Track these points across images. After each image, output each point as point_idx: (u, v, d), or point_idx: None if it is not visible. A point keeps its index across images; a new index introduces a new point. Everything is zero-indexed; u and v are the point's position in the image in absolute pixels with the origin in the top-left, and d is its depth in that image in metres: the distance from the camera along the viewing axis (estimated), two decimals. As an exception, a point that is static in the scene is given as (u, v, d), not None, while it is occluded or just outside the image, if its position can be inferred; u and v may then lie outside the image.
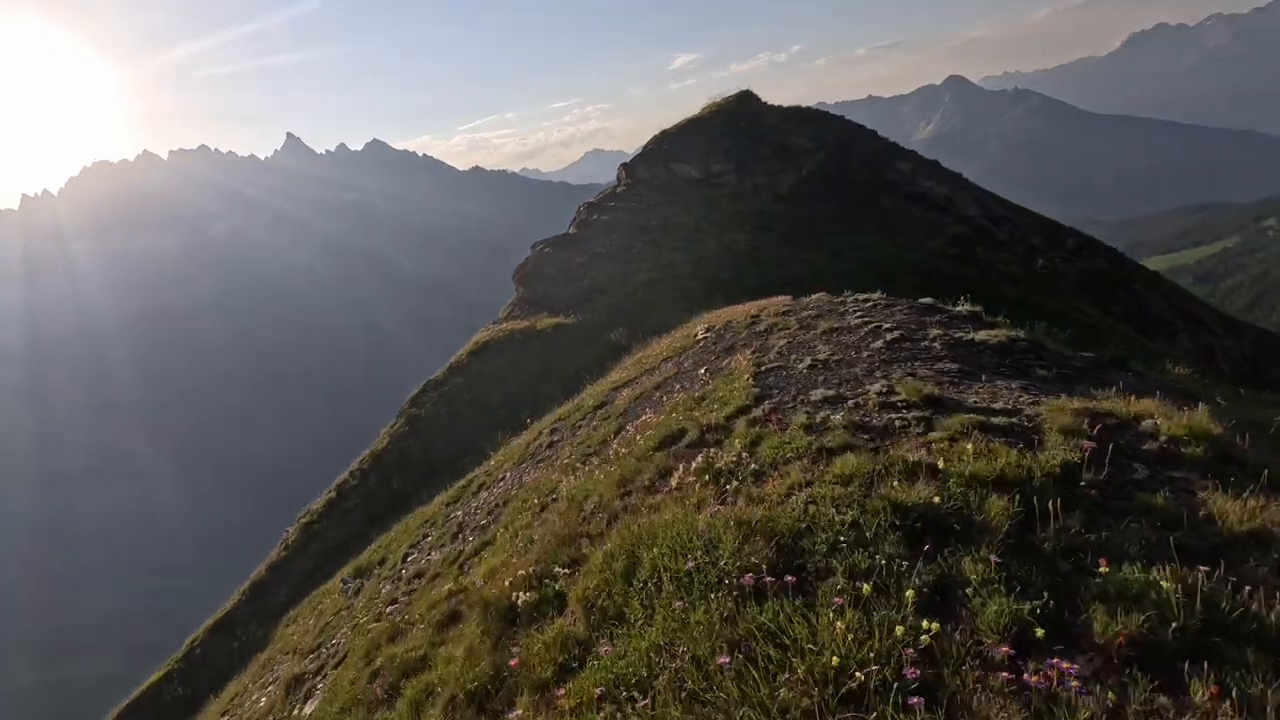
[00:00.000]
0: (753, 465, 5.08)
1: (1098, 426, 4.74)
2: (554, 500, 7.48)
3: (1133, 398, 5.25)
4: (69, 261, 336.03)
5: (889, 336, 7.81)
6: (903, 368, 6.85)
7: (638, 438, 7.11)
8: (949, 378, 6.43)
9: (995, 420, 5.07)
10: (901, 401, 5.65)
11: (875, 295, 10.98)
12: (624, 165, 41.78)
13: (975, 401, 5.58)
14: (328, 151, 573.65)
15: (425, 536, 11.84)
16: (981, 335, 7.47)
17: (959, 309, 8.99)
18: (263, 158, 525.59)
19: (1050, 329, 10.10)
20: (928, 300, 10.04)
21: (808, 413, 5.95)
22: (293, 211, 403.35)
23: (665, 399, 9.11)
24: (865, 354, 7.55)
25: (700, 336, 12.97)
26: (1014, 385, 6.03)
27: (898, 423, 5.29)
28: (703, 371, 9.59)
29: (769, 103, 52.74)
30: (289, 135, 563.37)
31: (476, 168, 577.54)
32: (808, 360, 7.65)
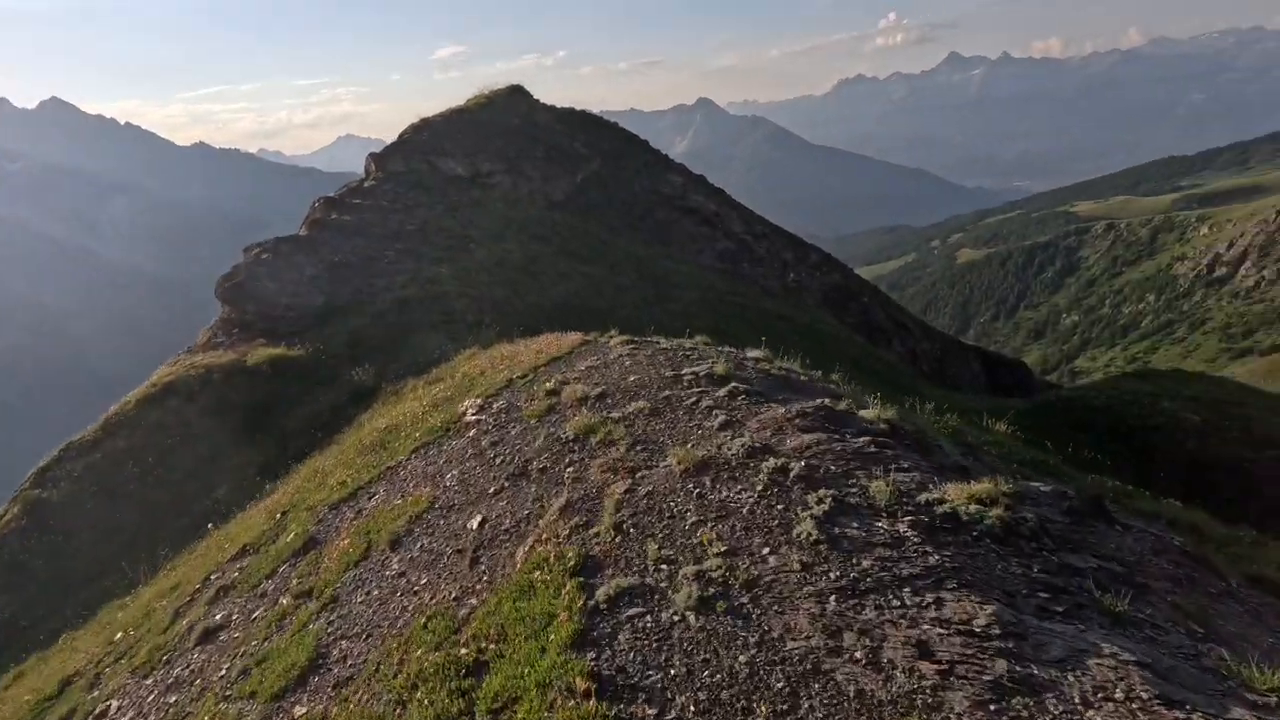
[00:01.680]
0: None
1: None
2: None
3: None
4: None
5: (816, 505, 4.47)
6: (893, 620, 3.52)
7: None
8: (998, 651, 3.22)
9: None
10: None
11: (717, 363, 7.75)
12: (374, 155, 35.15)
13: None
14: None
15: None
16: (965, 503, 4.48)
17: (870, 416, 6.02)
18: None
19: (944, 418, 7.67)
20: (808, 379, 7.00)
21: None
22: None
23: (402, 593, 4.86)
24: (795, 555, 4.10)
25: (470, 419, 8.78)
26: (1113, 675, 2.98)
27: None
28: (473, 529, 5.50)
29: (542, 101, 49.19)
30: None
31: (201, 144, 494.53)
32: (689, 573, 3.99)
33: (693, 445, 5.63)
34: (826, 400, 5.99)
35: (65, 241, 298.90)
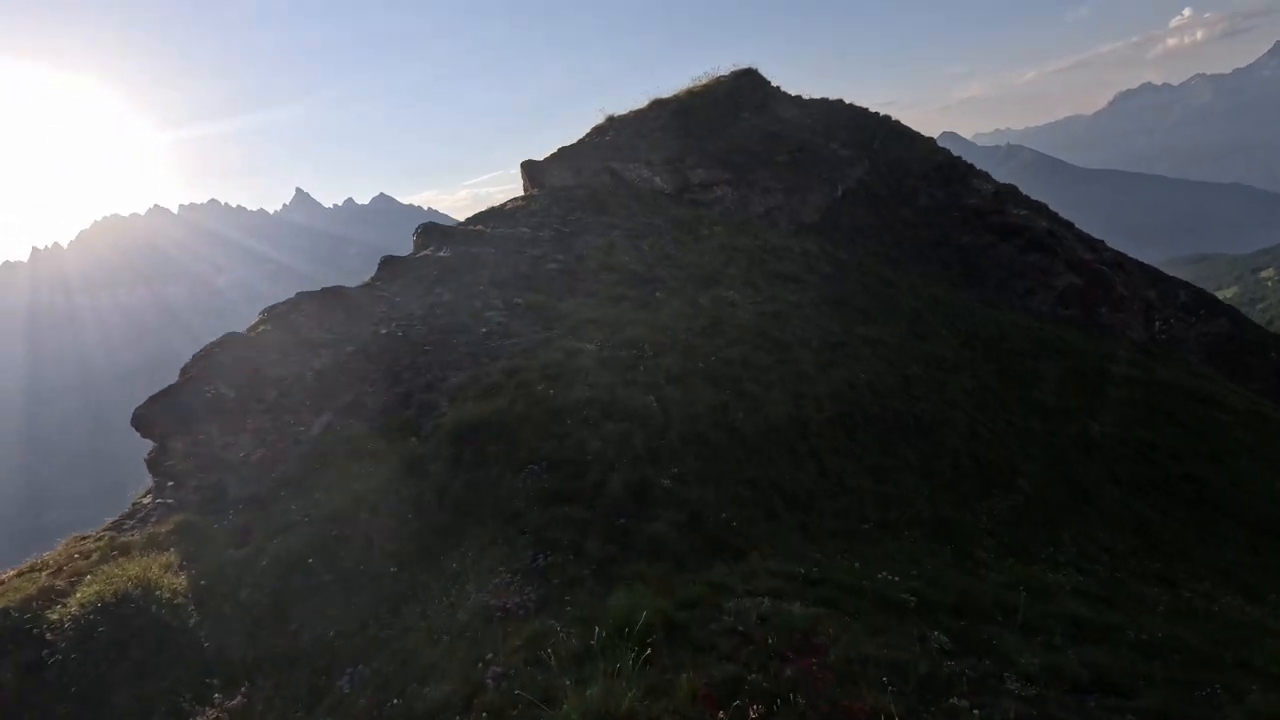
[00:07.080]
0: None
1: None
2: None
3: None
4: (73, 312, 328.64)
5: None
6: None
7: None
8: None
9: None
10: None
11: None
12: (526, 165, 23.35)
13: None
14: (335, 206, 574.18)
15: None
16: None
17: None
18: (272, 211, 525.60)
19: None
20: None
21: None
22: (296, 264, 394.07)
23: None
24: None
25: None
26: None
27: None
28: None
29: (784, 90, 34.78)
30: (298, 190, 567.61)
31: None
32: None
33: None
34: None
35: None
